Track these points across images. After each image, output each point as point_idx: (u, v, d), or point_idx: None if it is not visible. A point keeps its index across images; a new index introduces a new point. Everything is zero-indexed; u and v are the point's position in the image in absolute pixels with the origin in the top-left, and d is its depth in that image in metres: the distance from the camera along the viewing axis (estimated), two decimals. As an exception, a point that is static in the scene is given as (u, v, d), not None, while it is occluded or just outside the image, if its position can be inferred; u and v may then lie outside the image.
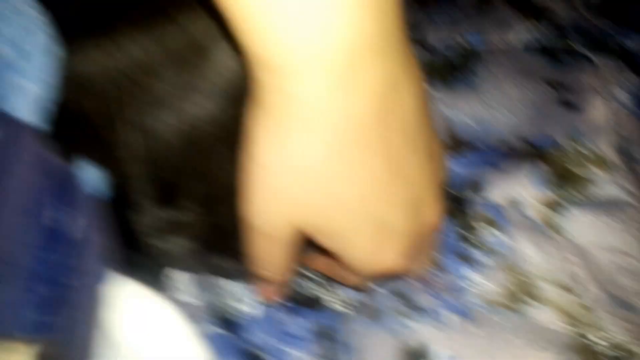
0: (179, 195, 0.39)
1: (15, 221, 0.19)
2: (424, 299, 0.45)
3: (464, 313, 0.44)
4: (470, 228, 0.48)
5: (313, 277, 0.46)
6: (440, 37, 0.61)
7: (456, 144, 0.54)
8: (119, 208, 0.38)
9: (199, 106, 0.38)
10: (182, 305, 0.44)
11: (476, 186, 0.50)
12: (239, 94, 0.38)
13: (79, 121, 0.39)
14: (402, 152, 0.32)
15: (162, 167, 0.38)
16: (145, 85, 0.40)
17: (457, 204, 0.50)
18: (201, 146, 0.38)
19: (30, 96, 0.29)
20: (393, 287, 0.45)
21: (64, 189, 0.20)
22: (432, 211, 0.36)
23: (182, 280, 0.46)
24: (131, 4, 0.46)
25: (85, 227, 0.21)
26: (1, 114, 0.19)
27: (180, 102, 0.38)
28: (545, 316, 0.44)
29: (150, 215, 0.39)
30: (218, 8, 0.28)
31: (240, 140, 0.37)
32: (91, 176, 0.39)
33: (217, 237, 0.40)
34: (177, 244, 0.40)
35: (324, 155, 0.30)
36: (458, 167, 0.52)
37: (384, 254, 0.34)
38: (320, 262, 0.42)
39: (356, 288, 0.45)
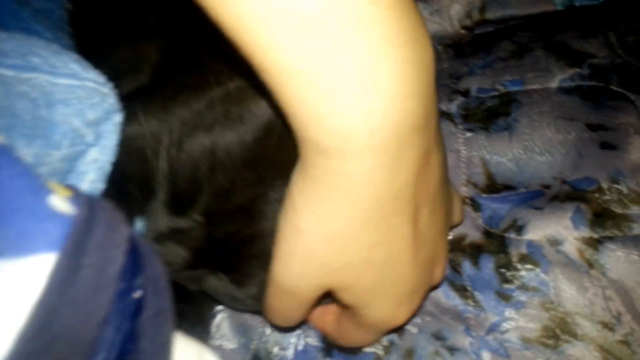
0: (192, 208, 0.43)
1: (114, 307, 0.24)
2: (461, 339, 0.47)
3: (502, 353, 0.47)
4: (510, 267, 0.51)
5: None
6: (482, 86, 0.65)
7: (497, 186, 0.57)
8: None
9: (235, 133, 0.43)
10: (226, 353, 0.49)
11: (517, 226, 0.53)
12: (271, 130, 0.42)
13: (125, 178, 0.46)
14: (427, 217, 0.35)
15: (184, 180, 0.42)
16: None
17: (499, 243, 0.53)
18: (228, 169, 0.42)
19: (100, 165, 0.35)
20: (430, 328, 0.48)
21: (137, 258, 0.24)
22: (441, 268, 0.40)
23: (225, 327, 0.51)
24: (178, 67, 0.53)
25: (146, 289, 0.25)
26: (91, 198, 0.24)
27: (218, 127, 0.43)
28: (584, 353, 0.46)
29: (157, 219, 0.43)
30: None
31: (264, 168, 0.42)
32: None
33: (213, 253, 0.43)
34: (173, 252, 0.43)
35: (361, 223, 0.32)
36: (499, 208, 0.55)
37: (402, 310, 0.38)
38: (326, 321, 0.44)
39: (354, 350, 0.47)
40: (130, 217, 0.50)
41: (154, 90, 0.54)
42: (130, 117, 0.50)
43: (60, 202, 0.21)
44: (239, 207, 0.42)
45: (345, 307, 0.39)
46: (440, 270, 0.40)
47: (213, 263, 0.44)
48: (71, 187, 0.23)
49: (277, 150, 0.42)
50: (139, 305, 0.24)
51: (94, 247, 0.20)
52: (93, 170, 0.37)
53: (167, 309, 0.25)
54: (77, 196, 0.22)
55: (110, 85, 0.39)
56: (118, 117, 0.39)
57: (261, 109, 0.43)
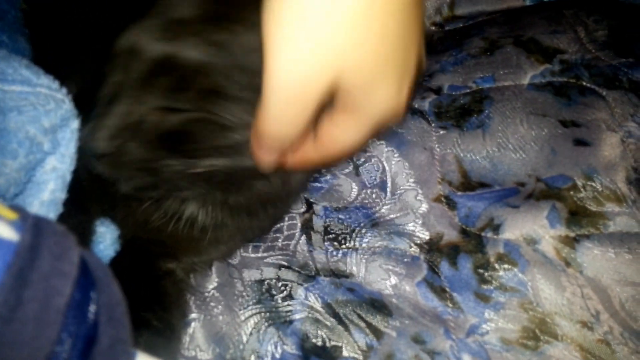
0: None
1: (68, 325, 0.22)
2: (440, 342, 0.46)
3: (482, 356, 0.46)
4: (488, 267, 0.50)
5: (329, 324, 0.48)
6: (454, 83, 0.64)
7: (472, 184, 0.56)
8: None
9: None
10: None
11: (493, 224, 0.52)
12: None
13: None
14: (408, 12, 0.36)
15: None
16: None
17: (476, 242, 0.52)
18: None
19: (60, 174, 0.33)
20: (409, 331, 0.47)
21: (89, 285, 0.22)
22: (423, 52, 0.41)
23: (199, 336, 0.49)
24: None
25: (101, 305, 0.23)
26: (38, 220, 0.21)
27: None
28: (564, 354, 0.45)
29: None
30: None
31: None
32: (105, 238, 0.43)
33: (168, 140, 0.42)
34: (128, 150, 0.41)
35: (355, 12, 0.33)
36: (475, 206, 0.54)
37: (403, 93, 0.38)
38: (305, 150, 0.41)
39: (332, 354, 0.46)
40: (88, 224, 0.48)
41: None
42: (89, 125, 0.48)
43: (2, 227, 0.19)
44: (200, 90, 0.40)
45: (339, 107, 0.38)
46: (422, 53, 0.40)
47: (169, 150, 0.42)
48: (17, 209, 0.21)
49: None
50: (92, 337, 0.22)
51: (38, 278, 0.18)
52: (53, 180, 0.35)
53: (124, 339, 0.23)
54: (24, 219, 0.20)
55: (64, 90, 0.36)
56: (75, 124, 0.36)
57: None
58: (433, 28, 0.75)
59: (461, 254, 0.51)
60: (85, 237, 0.46)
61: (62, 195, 0.36)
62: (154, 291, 0.49)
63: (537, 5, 0.74)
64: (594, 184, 0.52)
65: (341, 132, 0.39)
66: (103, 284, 0.26)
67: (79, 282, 0.23)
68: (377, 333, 0.48)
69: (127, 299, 0.45)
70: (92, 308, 0.23)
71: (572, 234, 0.50)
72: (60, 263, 0.22)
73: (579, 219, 0.51)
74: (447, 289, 0.50)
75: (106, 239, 0.49)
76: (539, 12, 0.71)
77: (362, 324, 0.48)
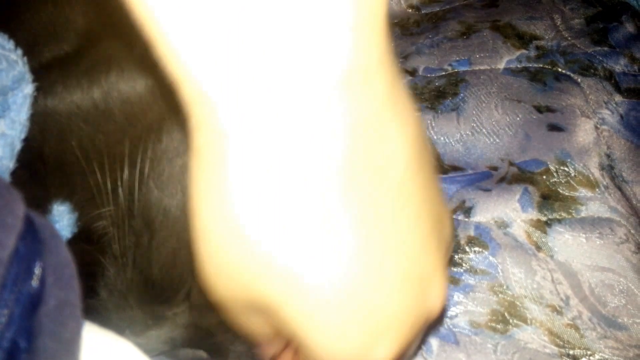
0: (174, 299, 0.38)
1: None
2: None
3: (450, 340, 0.45)
4: (459, 250, 0.49)
5: None
6: (429, 66, 0.63)
7: (444, 167, 0.55)
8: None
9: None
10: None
11: (465, 207, 0.51)
12: None
13: (45, 159, 0.41)
14: (392, 214, 0.25)
15: (162, 271, 0.37)
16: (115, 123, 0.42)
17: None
18: None
19: (9, 141, 0.30)
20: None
21: (36, 243, 0.20)
22: (438, 292, 0.27)
23: None
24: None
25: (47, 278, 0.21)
26: None
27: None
28: (533, 337, 0.45)
29: (133, 310, 0.38)
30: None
31: None
32: (62, 218, 0.41)
33: (195, 337, 0.39)
34: (154, 337, 0.38)
35: (270, 208, 0.23)
36: (447, 189, 0.53)
37: (375, 348, 0.25)
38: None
39: None
40: (45, 201, 0.45)
41: (77, 59, 0.49)
42: (47, 90, 0.45)
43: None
44: None
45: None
46: (437, 294, 0.27)
47: (194, 344, 0.39)
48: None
49: None
50: (37, 297, 0.20)
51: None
52: (0, 146, 0.33)
53: (73, 302, 0.21)
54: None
55: (20, 51, 0.34)
56: (29, 88, 0.34)
57: None
58: (410, 10, 0.74)
59: (432, 236, 0.50)
60: (39, 212, 0.44)
61: (9, 164, 0.33)
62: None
63: (515, -8, 0.73)
64: (567, 169, 0.52)
65: None
66: (51, 245, 0.24)
67: (24, 237, 0.21)
68: None
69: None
70: (37, 266, 0.21)
71: (543, 218, 0.49)
72: (3, 214, 0.20)
73: (551, 203, 0.50)
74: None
75: (64, 218, 0.46)
76: (516, -2, 0.70)
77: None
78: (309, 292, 0.24)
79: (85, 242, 0.46)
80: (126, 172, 0.40)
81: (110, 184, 0.40)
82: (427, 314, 0.27)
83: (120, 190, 0.40)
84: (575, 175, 0.51)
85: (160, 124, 0.42)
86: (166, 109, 0.44)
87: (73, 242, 0.46)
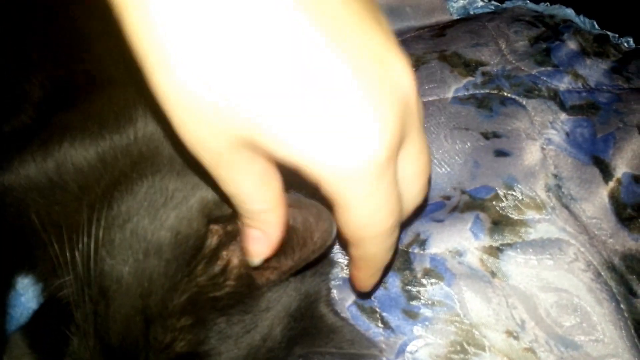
0: None
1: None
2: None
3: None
4: (416, 283, 0.50)
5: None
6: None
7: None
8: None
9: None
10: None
11: (420, 240, 0.53)
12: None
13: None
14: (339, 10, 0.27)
15: (116, 335, 0.39)
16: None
17: (403, 259, 0.52)
18: (157, 312, 0.38)
19: None
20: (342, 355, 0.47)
21: None
22: (401, 66, 0.29)
23: None
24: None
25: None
26: None
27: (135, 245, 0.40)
28: (491, 364, 0.46)
29: None
30: None
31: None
32: (27, 290, 0.42)
33: None
34: None
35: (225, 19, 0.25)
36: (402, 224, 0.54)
37: (366, 139, 0.27)
38: None
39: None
40: (8, 276, 0.47)
41: (33, 131, 0.51)
42: (4, 166, 0.47)
43: None
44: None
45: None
46: (401, 66, 0.29)
47: None
48: None
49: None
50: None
51: None
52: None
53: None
54: None
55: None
56: None
57: None
58: (363, 47, 0.76)
59: (390, 273, 0.51)
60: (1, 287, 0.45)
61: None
62: None
63: (463, 19, 0.75)
64: (514, 193, 0.53)
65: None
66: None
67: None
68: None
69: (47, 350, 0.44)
70: None
71: (495, 244, 0.51)
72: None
73: (502, 228, 0.51)
74: (377, 310, 0.50)
75: (28, 291, 0.48)
76: (463, 25, 0.72)
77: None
78: (287, 95, 0.26)
79: (51, 312, 0.47)
80: (83, 241, 0.41)
81: (69, 253, 0.41)
82: (399, 91, 0.29)
83: (77, 259, 0.41)
84: (522, 199, 0.53)
85: (112, 191, 0.44)
86: (116, 175, 0.45)
87: (40, 313, 0.47)
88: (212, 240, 0.41)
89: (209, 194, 0.42)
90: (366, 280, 0.39)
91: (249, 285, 0.41)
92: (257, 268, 0.39)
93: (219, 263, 0.41)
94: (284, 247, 0.36)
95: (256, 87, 0.26)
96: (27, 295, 0.47)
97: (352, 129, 0.27)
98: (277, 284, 0.42)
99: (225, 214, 0.41)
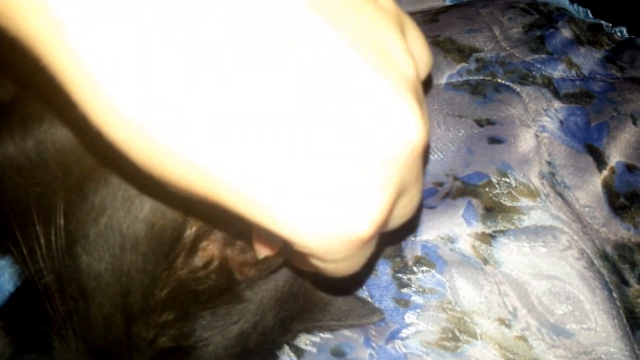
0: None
1: None
2: (361, 352, 0.45)
3: None
4: (407, 270, 0.49)
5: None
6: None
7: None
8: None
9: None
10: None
11: (412, 227, 0.52)
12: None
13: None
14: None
15: (99, 336, 0.37)
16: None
17: (394, 246, 0.51)
18: (138, 308, 0.37)
19: None
20: (329, 345, 0.46)
21: None
22: (403, 52, 0.25)
23: None
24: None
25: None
26: None
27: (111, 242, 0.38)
28: (483, 353, 0.45)
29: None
30: None
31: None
32: (3, 272, 0.40)
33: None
34: None
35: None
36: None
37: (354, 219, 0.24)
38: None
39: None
40: None
41: (13, 109, 0.49)
42: None
43: None
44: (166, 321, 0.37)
45: None
46: (403, 52, 0.25)
47: None
48: None
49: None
50: None
51: None
52: None
53: None
54: None
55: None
56: None
57: None
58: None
59: (380, 260, 0.50)
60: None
61: None
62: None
63: (456, 5, 0.74)
64: (508, 180, 0.52)
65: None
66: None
67: None
68: (298, 351, 0.46)
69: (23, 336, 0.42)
70: None
71: (488, 230, 0.50)
72: None
73: (495, 215, 0.51)
74: (369, 299, 0.49)
75: (5, 273, 0.46)
76: (457, 11, 0.71)
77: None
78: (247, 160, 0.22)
79: (28, 295, 0.46)
80: (59, 235, 0.39)
81: (45, 245, 0.40)
82: (404, 73, 0.25)
83: (54, 244, 0.40)
84: (516, 186, 0.52)
85: (87, 179, 0.42)
86: (94, 161, 0.43)
87: (17, 295, 0.46)
88: (191, 231, 0.39)
89: None
90: None
91: (230, 278, 0.40)
92: (239, 263, 0.38)
93: (200, 255, 0.39)
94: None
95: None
96: (3, 277, 0.45)
97: (340, 208, 0.24)
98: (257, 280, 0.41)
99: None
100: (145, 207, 0.38)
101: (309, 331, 0.45)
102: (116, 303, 0.37)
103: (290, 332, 0.43)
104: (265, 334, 0.41)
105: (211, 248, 0.40)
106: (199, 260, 0.39)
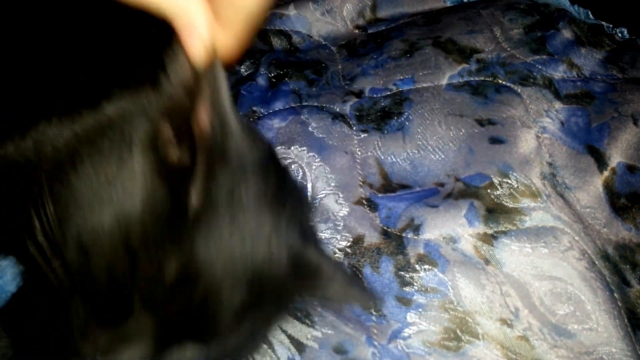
0: (130, 306, 0.38)
1: None
2: (363, 350, 0.45)
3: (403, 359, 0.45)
4: (409, 268, 0.49)
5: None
6: (375, 86, 0.63)
7: (393, 186, 0.55)
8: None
9: (129, 196, 0.38)
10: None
11: (414, 225, 0.52)
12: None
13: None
14: None
15: (106, 279, 0.37)
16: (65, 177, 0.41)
17: (397, 243, 0.51)
18: (140, 242, 0.37)
19: None
20: (331, 342, 0.46)
21: None
22: None
23: None
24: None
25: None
26: None
27: (107, 195, 0.40)
28: (485, 353, 0.45)
29: (98, 337, 0.38)
30: None
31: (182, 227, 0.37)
32: (5, 273, 0.40)
33: (171, 333, 0.39)
34: (131, 354, 0.38)
35: None
36: (396, 206, 0.53)
37: None
38: None
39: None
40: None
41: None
42: None
43: None
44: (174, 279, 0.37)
45: None
46: None
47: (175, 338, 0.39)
48: None
49: None
50: None
51: None
52: None
53: None
54: None
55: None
56: None
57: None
58: (356, 31, 0.75)
59: (383, 257, 0.50)
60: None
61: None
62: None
63: (457, 6, 0.74)
64: (509, 181, 0.52)
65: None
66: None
67: None
68: (299, 346, 0.46)
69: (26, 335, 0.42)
70: None
71: (490, 231, 0.50)
72: None
73: (496, 216, 0.51)
74: (370, 295, 0.49)
75: (7, 273, 0.46)
76: (458, 12, 0.71)
77: (285, 339, 0.46)
78: None
79: (33, 294, 0.45)
80: (52, 210, 0.39)
81: (38, 221, 0.39)
82: None
83: (46, 224, 0.40)
84: (517, 187, 0.52)
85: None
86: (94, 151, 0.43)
87: (18, 296, 0.45)
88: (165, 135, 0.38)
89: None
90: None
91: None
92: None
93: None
94: None
95: None
96: (5, 278, 0.45)
97: None
98: None
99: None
100: (135, 192, 0.38)
101: (309, 308, 0.44)
102: (118, 245, 0.37)
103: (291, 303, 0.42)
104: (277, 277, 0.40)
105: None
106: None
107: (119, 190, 0.38)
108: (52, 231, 0.38)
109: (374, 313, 0.48)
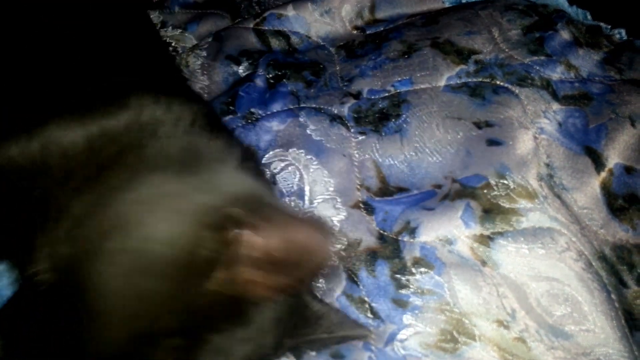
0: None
1: None
2: (359, 355, 0.45)
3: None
4: (405, 271, 0.49)
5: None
6: (373, 87, 0.63)
7: (390, 189, 0.56)
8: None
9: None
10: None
11: (410, 228, 0.52)
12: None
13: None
14: None
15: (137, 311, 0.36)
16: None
17: (393, 247, 0.51)
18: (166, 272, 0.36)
19: None
20: (330, 349, 0.46)
21: None
22: None
23: None
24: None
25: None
26: None
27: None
28: (482, 355, 0.45)
29: None
30: None
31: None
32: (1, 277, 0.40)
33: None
34: None
35: None
36: (392, 210, 0.54)
37: None
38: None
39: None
40: None
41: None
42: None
43: None
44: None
45: None
46: None
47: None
48: None
49: None
50: None
51: None
52: None
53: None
54: None
55: None
56: None
57: None
58: (355, 32, 0.75)
59: (379, 260, 0.50)
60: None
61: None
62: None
63: (455, 7, 0.74)
64: (506, 182, 0.52)
65: None
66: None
67: None
68: (297, 353, 0.46)
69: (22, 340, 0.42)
70: None
71: (486, 232, 0.50)
72: None
73: (493, 217, 0.51)
74: (366, 299, 0.49)
75: (3, 278, 0.46)
76: (456, 13, 0.71)
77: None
78: None
79: (29, 298, 0.46)
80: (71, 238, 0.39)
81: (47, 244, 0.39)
82: None
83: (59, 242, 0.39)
84: (514, 188, 0.52)
85: (97, 179, 0.42)
86: (102, 162, 0.43)
87: (14, 300, 0.46)
88: (209, 252, 0.37)
89: (206, 198, 0.39)
90: None
91: (239, 298, 0.39)
92: (251, 282, 0.37)
93: (214, 276, 0.37)
94: (279, 264, 0.34)
95: None
96: (2, 282, 0.45)
97: None
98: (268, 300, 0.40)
99: (221, 220, 0.37)
100: (165, 225, 0.37)
101: (299, 347, 0.45)
102: (124, 323, 0.36)
103: (282, 348, 0.43)
104: (264, 354, 0.41)
105: (229, 268, 0.38)
106: (212, 283, 0.37)
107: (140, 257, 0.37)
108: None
109: (370, 317, 0.48)
